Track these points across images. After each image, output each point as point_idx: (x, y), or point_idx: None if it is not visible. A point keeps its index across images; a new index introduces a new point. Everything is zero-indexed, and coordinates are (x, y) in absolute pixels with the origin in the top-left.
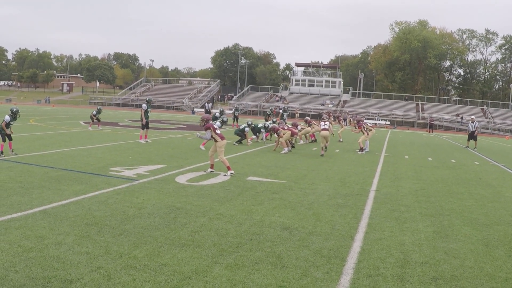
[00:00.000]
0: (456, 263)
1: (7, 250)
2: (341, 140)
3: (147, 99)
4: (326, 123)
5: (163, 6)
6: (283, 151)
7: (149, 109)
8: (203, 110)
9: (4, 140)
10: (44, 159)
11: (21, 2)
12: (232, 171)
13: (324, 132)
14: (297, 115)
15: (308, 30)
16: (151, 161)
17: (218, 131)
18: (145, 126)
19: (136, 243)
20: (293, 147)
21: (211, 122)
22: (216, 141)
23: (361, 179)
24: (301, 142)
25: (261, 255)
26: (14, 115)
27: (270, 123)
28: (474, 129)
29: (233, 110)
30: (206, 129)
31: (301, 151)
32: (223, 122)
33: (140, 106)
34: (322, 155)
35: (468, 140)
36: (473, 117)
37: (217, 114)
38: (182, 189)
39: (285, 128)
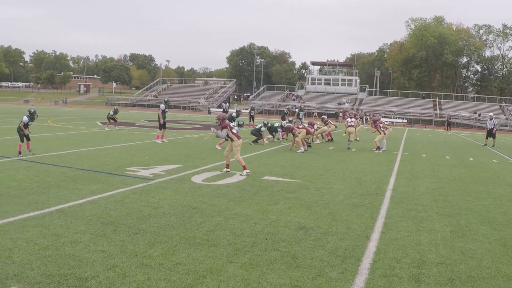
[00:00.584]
0: (473, 263)
1: (24, 248)
2: (358, 139)
3: (165, 99)
4: (352, 119)
5: (178, 7)
6: (299, 151)
7: (166, 110)
8: (220, 110)
9: (22, 141)
10: (61, 159)
11: (37, 4)
12: (248, 171)
13: (350, 129)
14: (315, 114)
15: (324, 28)
16: (167, 161)
17: (234, 131)
18: (162, 126)
19: (152, 242)
20: (309, 146)
21: (227, 121)
22: (232, 140)
23: (378, 178)
24: (318, 141)
25: (276, 254)
26: (32, 115)
27: (286, 123)
28: (492, 127)
29: (249, 109)
30: (222, 128)
31: (317, 151)
32: (240, 126)
33: (158, 106)
34: (348, 148)
35: (487, 137)
36: (491, 114)
37: (234, 114)
38: (198, 188)
39: (301, 127)
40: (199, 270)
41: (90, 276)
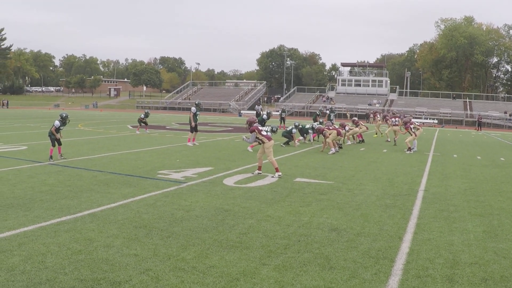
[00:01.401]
0: (506, 263)
1: (57, 253)
2: (389, 140)
3: (196, 102)
4: (397, 119)
5: (208, 9)
6: (330, 152)
7: (198, 112)
8: (250, 112)
9: (53, 145)
10: (93, 163)
11: (67, 9)
12: (280, 173)
13: (395, 127)
14: (348, 116)
15: (353, 29)
16: (198, 164)
17: (263, 133)
18: (194, 129)
19: (184, 245)
20: (340, 147)
21: (256, 124)
22: (263, 142)
23: (410, 179)
24: (349, 142)
25: (309, 256)
26: (63, 120)
27: (317, 124)
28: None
29: (280, 111)
30: (251, 132)
31: (348, 152)
32: (273, 131)
33: (189, 109)
34: (395, 145)
35: None
36: None
37: (265, 116)
38: (230, 191)
39: (331, 128)
40: (233, 273)
41: (123, 280)
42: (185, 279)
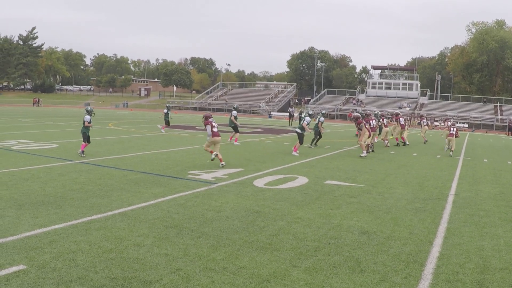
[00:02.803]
0: None
1: (88, 251)
2: (407, 142)
3: (235, 106)
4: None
5: (238, 9)
6: (362, 154)
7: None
8: (280, 114)
9: (88, 142)
10: (123, 162)
11: (98, 8)
12: (223, 163)
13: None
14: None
15: (385, 32)
16: (229, 165)
17: (215, 129)
18: (236, 130)
19: (215, 246)
20: (372, 151)
21: (210, 119)
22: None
23: (440, 183)
24: (386, 142)
25: (339, 259)
26: (90, 112)
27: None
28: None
29: (298, 113)
30: (205, 126)
31: (378, 155)
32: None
33: (222, 110)
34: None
35: None
36: None
37: (308, 119)
38: (260, 192)
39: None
40: (263, 274)
41: (154, 280)
42: (216, 279)
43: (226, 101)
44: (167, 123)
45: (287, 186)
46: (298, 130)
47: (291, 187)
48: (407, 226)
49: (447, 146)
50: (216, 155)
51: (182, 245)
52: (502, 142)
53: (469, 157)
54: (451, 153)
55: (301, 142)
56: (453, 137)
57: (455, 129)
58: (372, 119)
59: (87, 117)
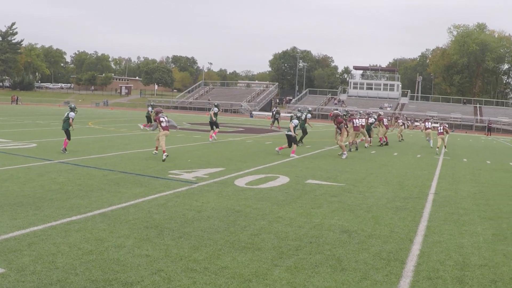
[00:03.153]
0: None
1: (67, 253)
2: (402, 139)
3: (216, 103)
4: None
5: (220, 8)
6: (343, 156)
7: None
8: (261, 113)
9: (69, 138)
10: (103, 161)
11: (79, 4)
12: (167, 154)
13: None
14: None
15: (366, 33)
16: (210, 164)
17: (163, 124)
18: (215, 126)
19: (196, 246)
20: (356, 149)
21: (160, 115)
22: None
23: (420, 182)
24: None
25: (320, 258)
26: (73, 109)
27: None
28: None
29: (274, 112)
30: (154, 120)
31: (359, 155)
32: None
33: (201, 109)
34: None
35: None
36: None
37: (309, 115)
38: (241, 192)
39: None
40: (245, 274)
41: (135, 281)
42: (197, 280)
43: (209, 100)
44: (149, 120)
45: (268, 185)
46: (288, 133)
47: (272, 187)
48: (387, 225)
49: (430, 140)
50: (157, 147)
51: (163, 245)
52: (481, 143)
53: (449, 156)
54: (443, 150)
55: (295, 143)
56: (442, 135)
57: (442, 127)
58: (356, 118)
59: (72, 114)
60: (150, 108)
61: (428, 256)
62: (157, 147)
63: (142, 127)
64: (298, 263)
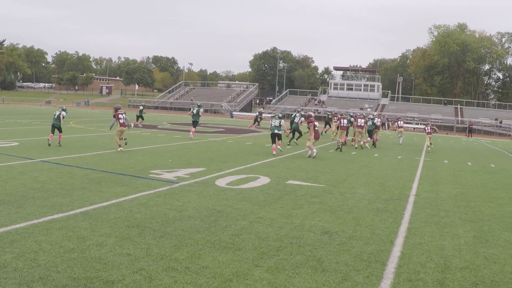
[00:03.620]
0: (496, 268)
1: (49, 251)
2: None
3: (198, 104)
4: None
5: (201, 9)
6: (313, 155)
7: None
8: (242, 113)
9: (53, 132)
10: (85, 161)
11: (61, 4)
12: (122, 148)
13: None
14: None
15: (347, 33)
16: (191, 164)
17: (121, 120)
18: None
19: (177, 245)
20: (340, 150)
21: (119, 111)
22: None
23: (401, 184)
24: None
25: (301, 258)
26: (65, 111)
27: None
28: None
29: (257, 113)
30: (114, 117)
31: (340, 155)
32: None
33: (182, 109)
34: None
35: None
36: None
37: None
38: (222, 192)
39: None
40: (226, 274)
41: (116, 279)
42: (178, 279)
43: (191, 100)
44: (138, 118)
45: (249, 186)
46: (279, 132)
47: (253, 187)
48: (368, 226)
49: (400, 137)
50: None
51: (144, 244)
52: (462, 144)
53: (430, 158)
54: (428, 148)
55: (280, 139)
56: (430, 134)
57: (430, 127)
58: (341, 119)
59: (64, 113)
60: (141, 107)
61: (409, 258)
62: (119, 145)
63: (132, 125)
64: (279, 263)
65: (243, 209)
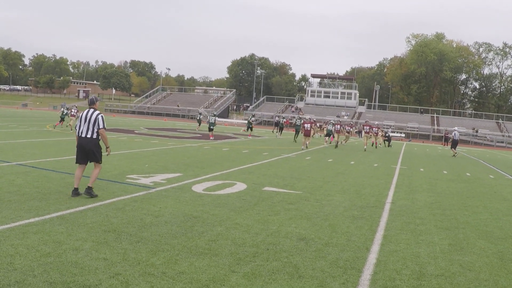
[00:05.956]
0: (471, 276)
1: (25, 255)
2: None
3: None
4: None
5: (179, 14)
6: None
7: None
8: (220, 120)
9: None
10: (61, 164)
11: (38, 7)
12: None
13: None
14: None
15: (324, 41)
16: (167, 169)
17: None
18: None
19: (154, 251)
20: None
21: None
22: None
23: (377, 191)
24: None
25: (278, 265)
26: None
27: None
28: (458, 138)
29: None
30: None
31: (316, 163)
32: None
33: (157, 114)
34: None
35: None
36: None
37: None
38: (199, 198)
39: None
40: (202, 279)
41: (93, 284)
42: (155, 284)
43: (178, 106)
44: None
45: (225, 192)
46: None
47: (230, 193)
48: (344, 233)
49: (360, 137)
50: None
51: (121, 249)
52: (438, 152)
53: (406, 166)
54: (368, 147)
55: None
56: (368, 134)
57: (367, 128)
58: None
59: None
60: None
61: (384, 265)
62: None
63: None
64: (255, 269)
65: (220, 215)
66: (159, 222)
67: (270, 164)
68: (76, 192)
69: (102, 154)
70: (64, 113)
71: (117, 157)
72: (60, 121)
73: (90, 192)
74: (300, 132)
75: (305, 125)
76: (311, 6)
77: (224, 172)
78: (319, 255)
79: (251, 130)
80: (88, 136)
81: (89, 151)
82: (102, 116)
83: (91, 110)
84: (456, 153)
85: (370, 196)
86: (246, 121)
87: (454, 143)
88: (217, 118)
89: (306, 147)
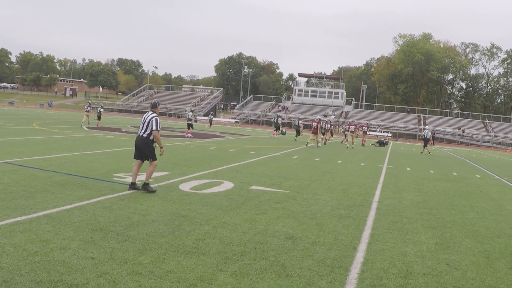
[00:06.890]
0: (458, 274)
1: (12, 254)
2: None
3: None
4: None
5: (168, 13)
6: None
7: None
8: (205, 118)
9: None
10: (48, 163)
11: (25, 4)
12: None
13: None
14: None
15: (311, 40)
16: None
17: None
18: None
19: (141, 250)
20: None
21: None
22: None
23: (364, 191)
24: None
25: (265, 264)
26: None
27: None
28: (429, 137)
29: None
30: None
31: (303, 162)
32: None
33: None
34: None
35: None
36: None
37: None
38: (186, 196)
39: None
40: (190, 278)
41: (80, 283)
42: (142, 283)
43: (166, 107)
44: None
45: (212, 190)
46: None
47: (217, 192)
48: (331, 232)
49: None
50: None
51: (108, 248)
52: (425, 152)
53: (393, 165)
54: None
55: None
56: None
57: (353, 127)
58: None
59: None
60: (100, 108)
61: (372, 263)
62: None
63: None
64: (243, 268)
65: (207, 214)
66: (146, 221)
67: (258, 163)
68: (133, 187)
69: (156, 154)
70: (99, 112)
71: (104, 155)
72: (97, 120)
73: (147, 188)
74: (300, 132)
75: (313, 124)
76: (299, 5)
77: (212, 170)
78: (306, 254)
79: (279, 130)
80: (141, 135)
81: (140, 148)
82: (156, 119)
83: (150, 112)
84: (425, 150)
85: (357, 195)
86: (273, 122)
87: (426, 142)
88: (194, 113)
89: (317, 145)
